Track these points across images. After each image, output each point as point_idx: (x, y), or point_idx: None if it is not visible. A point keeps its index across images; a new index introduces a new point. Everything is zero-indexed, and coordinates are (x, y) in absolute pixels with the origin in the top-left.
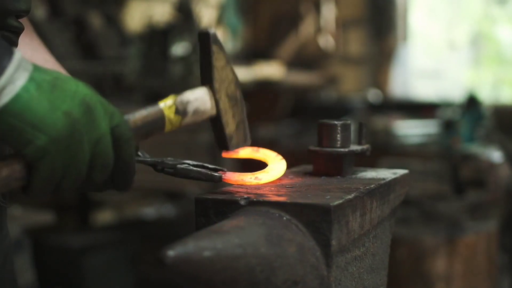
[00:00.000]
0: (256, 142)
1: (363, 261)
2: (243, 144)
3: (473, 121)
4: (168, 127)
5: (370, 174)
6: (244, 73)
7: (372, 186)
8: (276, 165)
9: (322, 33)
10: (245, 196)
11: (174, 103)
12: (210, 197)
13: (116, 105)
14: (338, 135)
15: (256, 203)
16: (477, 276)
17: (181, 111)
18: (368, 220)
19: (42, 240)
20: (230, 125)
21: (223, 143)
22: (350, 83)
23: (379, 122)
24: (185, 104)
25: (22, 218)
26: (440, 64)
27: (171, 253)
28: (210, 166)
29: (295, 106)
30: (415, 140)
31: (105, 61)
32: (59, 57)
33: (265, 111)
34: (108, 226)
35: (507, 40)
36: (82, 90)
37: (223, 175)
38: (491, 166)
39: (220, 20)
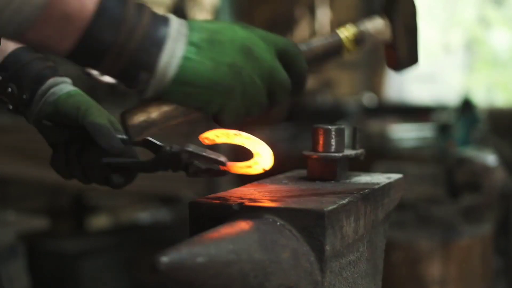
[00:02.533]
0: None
1: (358, 266)
2: (413, 64)
3: (468, 124)
4: (345, 54)
5: (365, 178)
6: None
7: (366, 191)
8: (261, 150)
9: (317, 36)
10: (239, 201)
11: (354, 36)
12: (204, 202)
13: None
14: (332, 140)
15: (249, 208)
16: (472, 279)
17: (359, 42)
18: (362, 225)
19: (37, 246)
20: (401, 50)
21: (394, 63)
22: (345, 87)
23: (374, 125)
24: (365, 36)
25: (17, 223)
26: (435, 67)
27: (164, 259)
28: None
29: (290, 110)
30: (410, 143)
31: None
32: (55, 63)
33: (260, 115)
34: (104, 231)
35: (501, 43)
36: (238, 34)
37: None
38: (486, 169)
39: None
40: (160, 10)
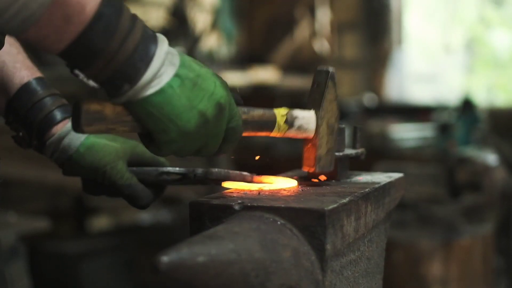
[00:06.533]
0: (252, 146)
1: (358, 265)
2: (327, 168)
3: (469, 124)
4: (275, 131)
5: (365, 178)
6: (240, 78)
7: (367, 190)
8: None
9: (317, 37)
10: (240, 201)
11: (286, 114)
12: (204, 202)
13: None
14: None
15: (250, 208)
16: (473, 279)
17: (289, 122)
18: (363, 224)
19: (38, 247)
20: (322, 148)
21: (311, 162)
22: (346, 87)
23: (375, 126)
24: (294, 118)
25: (18, 225)
26: (435, 67)
27: (165, 259)
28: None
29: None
30: (411, 143)
31: None
32: (55, 63)
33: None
34: (105, 232)
35: (502, 44)
36: (219, 91)
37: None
38: (487, 169)
39: (214, 25)
40: (160, 11)
